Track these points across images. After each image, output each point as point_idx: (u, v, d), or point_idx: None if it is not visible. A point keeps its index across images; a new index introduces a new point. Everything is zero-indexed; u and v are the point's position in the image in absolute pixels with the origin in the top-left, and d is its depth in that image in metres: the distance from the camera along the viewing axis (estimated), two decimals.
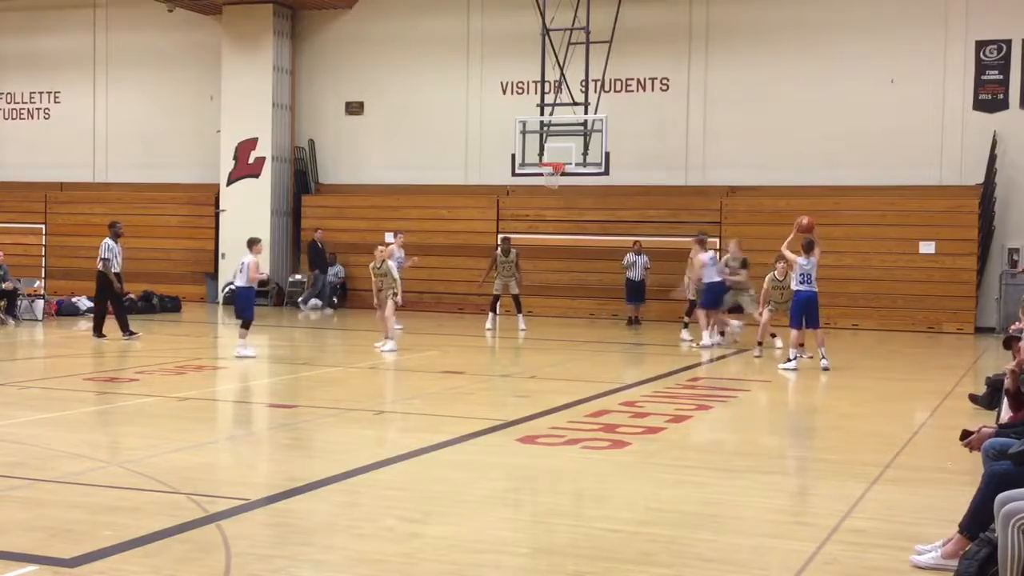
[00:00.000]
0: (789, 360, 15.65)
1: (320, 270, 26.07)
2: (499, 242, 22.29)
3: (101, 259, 18.48)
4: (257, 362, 15.92)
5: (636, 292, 22.89)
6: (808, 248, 15.71)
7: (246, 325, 16.28)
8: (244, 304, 16.52)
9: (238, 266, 16.56)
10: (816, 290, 15.76)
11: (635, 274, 22.76)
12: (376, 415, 11.66)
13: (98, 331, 18.41)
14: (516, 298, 21.43)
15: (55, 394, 12.89)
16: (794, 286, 15.86)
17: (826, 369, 15.46)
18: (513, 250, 21.46)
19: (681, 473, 8.86)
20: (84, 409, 11.80)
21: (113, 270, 18.45)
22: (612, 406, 12.02)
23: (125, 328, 18.42)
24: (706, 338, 18.40)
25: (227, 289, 26.77)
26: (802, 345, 16.12)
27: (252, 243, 16.69)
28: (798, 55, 24.10)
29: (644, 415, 11.44)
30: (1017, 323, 10.43)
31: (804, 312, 15.62)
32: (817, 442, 10.44)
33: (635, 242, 23.02)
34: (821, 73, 23.88)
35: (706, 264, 18.60)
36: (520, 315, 21.27)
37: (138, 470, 8.39)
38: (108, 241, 18.57)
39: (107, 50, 29.33)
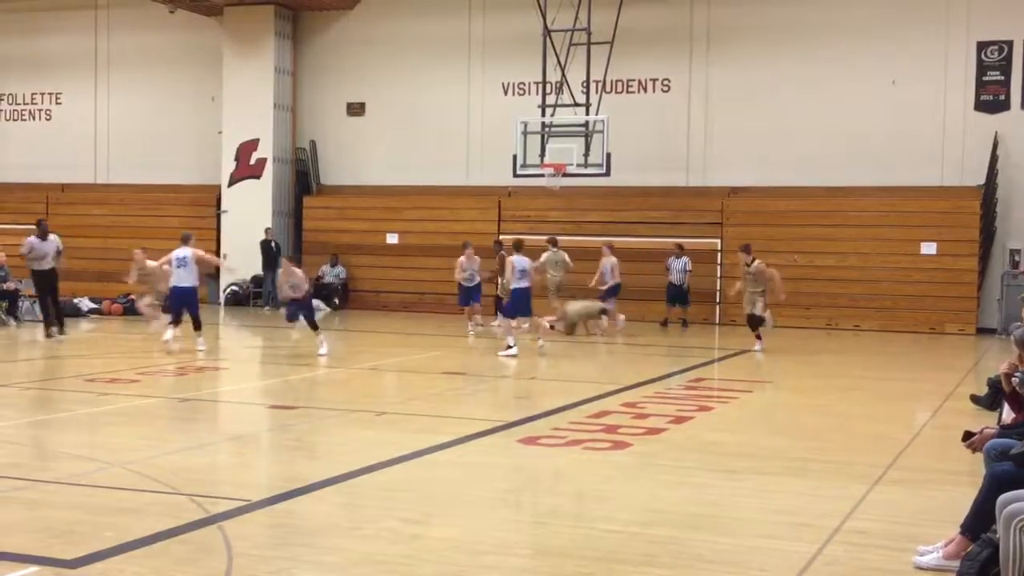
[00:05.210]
0: (510, 347, 16.87)
1: (272, 270, 25.47)
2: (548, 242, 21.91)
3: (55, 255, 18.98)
4: (257, 363, 15.92)
5: (675, 295, 22.87)
6: (518, 247, 17.98)
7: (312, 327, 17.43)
8: (310, 311, 17.65)
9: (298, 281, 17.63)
10: (528, 285, 17.75)
11: (674, 277, 22.76)
12: (377, 416, 11.65)
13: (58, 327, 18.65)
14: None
15: (56, 395, 12.90)
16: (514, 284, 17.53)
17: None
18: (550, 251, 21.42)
19: (682, 474, 8.85)
20: (85, 410, 11.79)
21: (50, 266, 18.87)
22: (613, 407, 12.01)
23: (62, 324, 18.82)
24: None
25: (228, 290, 26.78)
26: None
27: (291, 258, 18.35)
28: (799, 56, 24.07)
29: (645, 416, 11.44)
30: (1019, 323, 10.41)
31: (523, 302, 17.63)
32: (818, 443, 10.43)
33: (677, 244, 22.93)
34: (822, 74, 23.86)
35: None
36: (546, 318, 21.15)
37: (139, 471, 8.39)
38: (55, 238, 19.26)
39: (108, 51, 29.33)
